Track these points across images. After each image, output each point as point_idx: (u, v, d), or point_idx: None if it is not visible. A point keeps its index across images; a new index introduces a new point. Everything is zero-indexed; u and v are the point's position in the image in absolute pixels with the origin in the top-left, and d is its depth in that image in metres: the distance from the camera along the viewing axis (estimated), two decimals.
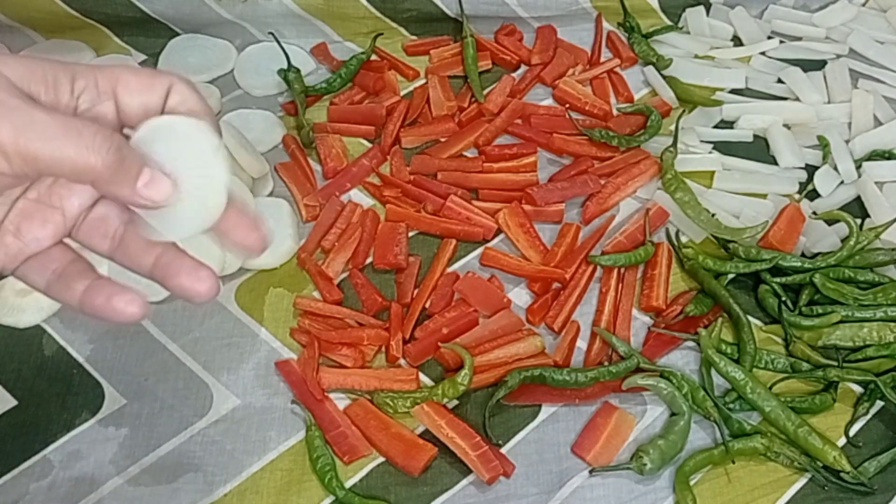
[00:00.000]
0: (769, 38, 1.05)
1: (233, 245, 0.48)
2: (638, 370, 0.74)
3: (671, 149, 0.89)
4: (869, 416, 0.74)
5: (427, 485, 0.69)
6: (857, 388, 0.75)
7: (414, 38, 1.04)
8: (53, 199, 0.46)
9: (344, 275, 0.82)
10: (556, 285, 0.81)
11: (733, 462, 0.70)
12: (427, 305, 0.79)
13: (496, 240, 0.85)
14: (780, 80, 1.00)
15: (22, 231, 0.46)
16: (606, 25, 1.05)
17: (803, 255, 0.83)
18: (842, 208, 0.87)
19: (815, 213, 0.87)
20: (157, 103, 0.45)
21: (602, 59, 1.02)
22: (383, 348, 0.77)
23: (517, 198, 0.87)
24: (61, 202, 0.46)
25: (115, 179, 0.42)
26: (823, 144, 0.92)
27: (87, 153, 0.41)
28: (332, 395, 0.74)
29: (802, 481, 0.70)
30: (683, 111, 0.96)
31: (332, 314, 0.78)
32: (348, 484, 0.69)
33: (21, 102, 0.40)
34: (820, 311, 0.78)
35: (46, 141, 0.40)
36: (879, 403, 0.74)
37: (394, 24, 1.03)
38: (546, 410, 0.74)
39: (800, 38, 1.05)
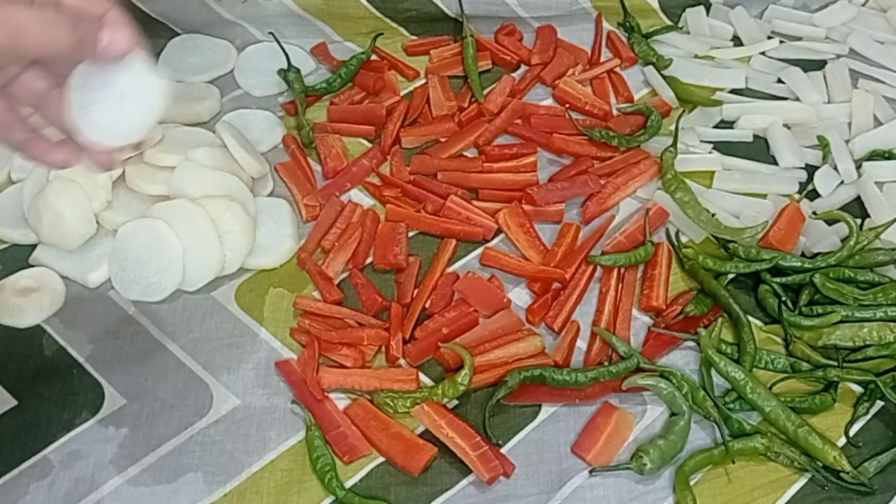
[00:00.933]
0: (769, 38, 1.05)
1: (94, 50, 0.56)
2: (638, 370, 0.74)
3: (671, 149, 0.89)
4: (869, 416, 0.74)
5: (427, 485, 0.69)
6: (857, 388, 0.75)
7: (414, 38, 1.04)
8: None
9: (344, 275, 0.82)
10: (556, 285, 0.81)
11: (733, 462, 0.70)
12: (427, 305, 0.79)
13: (496, 240, 0.85)
14: (780, 80, 1.00)
15: None
16: (606, 25, 1.05)
17: (803, 255, 0.83)
18: (842, 208, 0.87)
19: (815, 213, 0.87)
20: (91, 16, 0.55)
21: (602, 59, 1.03)
22: (383, 348, 0.77)
23: (517, 198, 0.87)
24: None
25: (82, 51, 0.54)
26: (823, 144, 0.92)
27: (60, 37, 0.52)
28: (332, 395, 0.74)
29: (802, 481, 0.70)
30: (683, 111, 0.96)
31: (332, 314, 0.78)
32: (348, 484, 0.69)
33: (3, 6, 0.50)
34: (820, 311, 0.78)
35: (32, 37, 0.51)
36: (879, 403, 0.74)
37: (394, 24, 1.03)
38: (546, 410, 0.74)
39: (800, 38, 1.05)
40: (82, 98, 0.57)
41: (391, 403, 0.72)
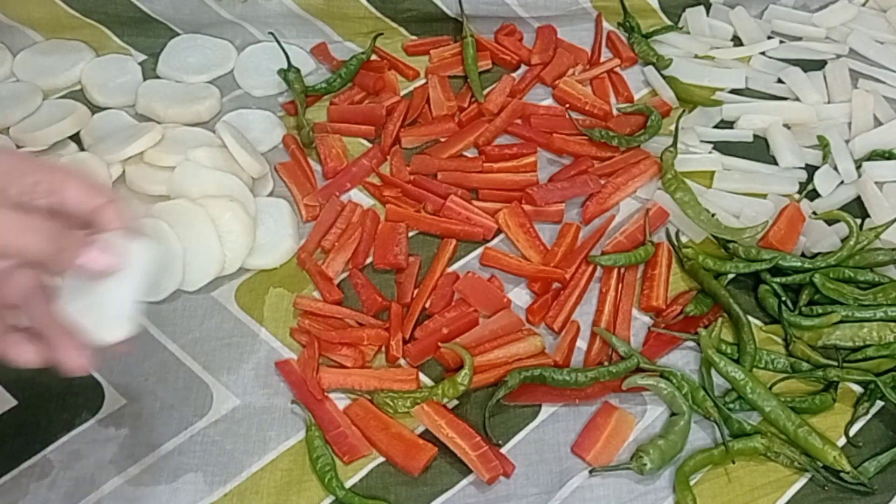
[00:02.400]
0: (769, 38, 1.05)
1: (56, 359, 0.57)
2: (638, 370, 0.74)
3: (671, 149, 0.89)
4: (869, 416, 0.74)
5: (427, 485, 0.69)
6: (857, 388, 0.75)
7: (414, 38, 1.04)
8: None
9: (344, 275, 0.82)
10: (556, 285, 0.81)
11: (733, 462, 0.70)
12: (427, 305, 0.79)
13: (496, 240, 0.85)
14: (780, 80, 1.00)
15: None
16: (606, 25, 1.05)
17: (803, 255, 0.83)
18: (842, 208, 0.87)
19: (815, 213, 0.87)
20: (89, 211, 0.55)
21: (602, 59, 1.02)
22: (383, 348, 0.77)
23: (517, 198, 0.87)
24: None
25: (61, 260, 0.53)
26: (823, 144, 0.92)
27: (39, 243, 0.52)
28: (332, 395, 0.74)
29: (802, 481, 0.70)
30: (683, 111, 0.96)
31: (332, 314, 0.78)
32: (348, 484, 0.69)
33: None
34: (820, 311, 0.78)
35: (10, 239, 0.51)
36: (879, 403, 0.74)
37: (394, 24, 1.03)
38: (546, 410, 0.74)
39: (800, 38, 1.05)
40: (73, 294, 0.57)
41: (391, 403, 0.72)
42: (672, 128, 0.92)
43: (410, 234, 0.85)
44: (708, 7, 1.08)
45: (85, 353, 0.57)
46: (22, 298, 0.57)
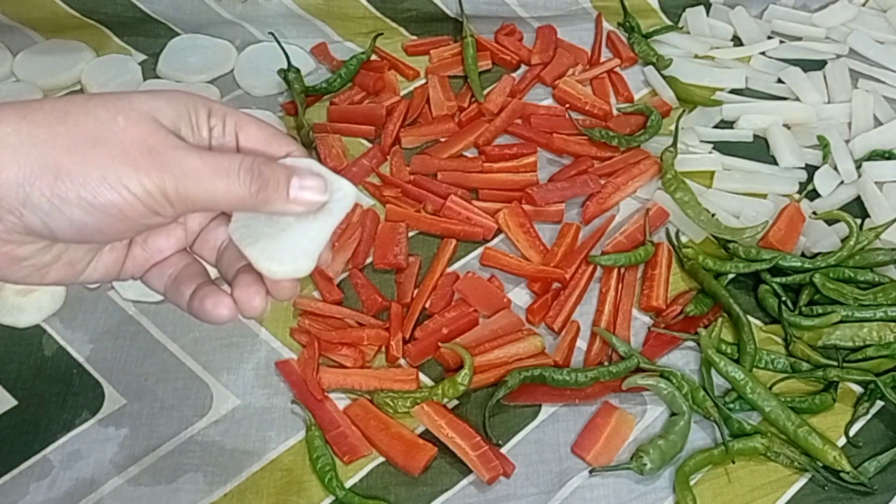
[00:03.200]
0: (769, 38, 1.05)
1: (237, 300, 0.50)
2: (638, 370, 0.74)
3: (671, 149, 0.89)
4: (869, 416, 0.74)
5: (427, 485, 0.69)
6: (857, 388, 0.75)
7: (414, 38, 1.04)
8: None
9: (344, 275, 0.82)
10: (556, 285, 0.81)
11: (733, 462, 0.70)
12: (427, 305, 0.79)
13: (496, 240, 0.85)
14: (780, 80, 1.00)
15: (149, 243, 0.51)
16: (606, 25, 1.05)
17: (803, 255, 0.83)
18: (842, 208, 0.87)
19: (815, 213, 0.87)
20: (270, 155, 0.49)
21: (602, 59, 1.03)
22: (383, 348, 0.77)
23: (517, 198, 0.87)
24: (185, 219, 0.51)
25: (267, 200, 0.46)
26: (823, 144, 0.92)
27: (236, 188, 0.45)
28: (332, 395, 0.74)
29: (802, 481, 0.70)
30: (683, 111, 0.96)
31: (332, 314, 0.78)
32: (348, 484, 0.69)
33: (176, 149, 0.44)
34: (820, 311, 0.78)
35: (201, 185, 0.44)
36: (879, 403, 0.74)
37: (394, 24, 1.03)
38: (546, 410, 0.74)
39: (800, 38, 1.05)
40: (252, 230, 0.49)
41: (391, 403, 0.72)
42: (672, 128, 0.92)
43: (410, 234, 0.85)
44: (708, 7, 1.08)
45: (263, 296, 0.49)
46: (217, 250, 0.52)
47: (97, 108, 0.44)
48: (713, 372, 0.75)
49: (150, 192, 0.43)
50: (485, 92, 0.97)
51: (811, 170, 0.91)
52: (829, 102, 0.98)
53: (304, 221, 0.49)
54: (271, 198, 0.46)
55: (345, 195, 0.49)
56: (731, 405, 0.73)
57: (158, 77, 0.98)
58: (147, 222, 0.45)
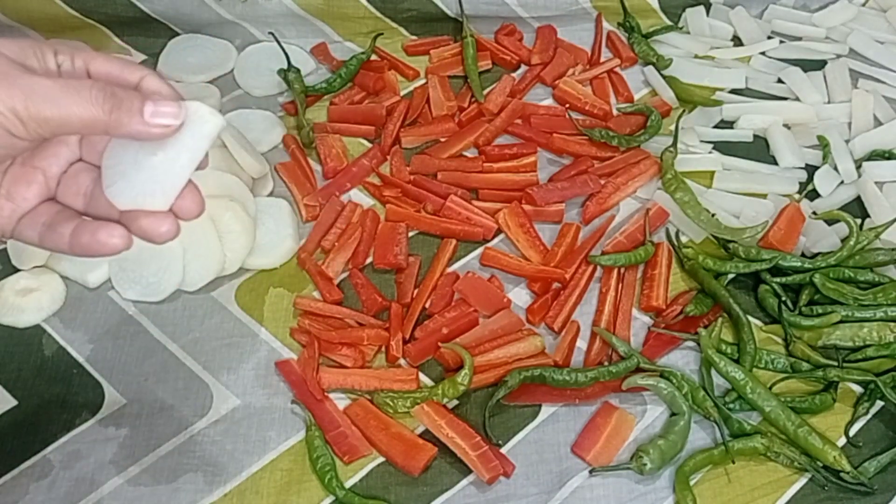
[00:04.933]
0: (769, 38, 1.05)
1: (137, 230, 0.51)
2: (638, 370, 0.74)
3: (671, 149, 0.89)
4: (869, 416, 0.74)
5: (427, 485, 0.69)
6: (857, 388, 0.75)
7: (414, 38, 1.04)
8: (36, 162, 0.51)
9: (344, 275, 0.82)
10: (556, 285, 0.81)
11: (733, 462, 0.70)
12: (427, 305, 0.79)
13: (496, 240, 0.85)
14: (780, 80, 1.00)
15: (12, 193, 0.51)
16: (606, 25, 1.05)
17: (803, 255, 0.83)
18: (842, 208, 0.87)
19: (815, 213, 0.87)
20: (126, 81, 0.50)
21: (602, 59, 1.03)
22: (383, 348, 0.77)
23: (517, 198, 0.87)
24: (42, 165, 0.52)
25: (120, 122, 0.47)
26: (823, 144, 0.92)
27: (90, 106, 0.46)
28: (332, 395, 0.74)
29: (802, 481, 0.70)
30: (683, 111, 0.96)
31: (332, 314, 0.78)
32: (348, 484, 0.69)
33: (23, 73, 0.45)
34: (820, 311, 0.78)
35: (53, 103, 0.45)
36: (879, 403, 0.74)
37: (394, 24, 1.03)
38: (546, 410, 0.74)
39: (800, 38, 1.05)
40: (116, 161, 0.51)
41: (391, 403, 0.72)
42: (672, 128, 0.92)
43: (410, 234, 0.85)
44: (708, 7, 1.08)
45: (165, 217, 0.50)
46: (86, 195, 0.52)
47: None
48: (713, 372, 0.75)
49: (1, 110, 0.44)
50: (485, 92, 0.97)
51: (811, 170, 0.91)
52: (829, 102, 0.98)
53: (166, 155, 0.50)
54: (124, 119, 0.47)
55: (205, 122, 0.50)
56: (731, 405, 0.73)
57: None
58: (2, 145, 0.45)
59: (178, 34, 1.01)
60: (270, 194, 0.88)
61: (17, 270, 0.80)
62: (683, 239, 0.84)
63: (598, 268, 0.83)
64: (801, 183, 0.90)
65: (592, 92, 0.99)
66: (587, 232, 0.86)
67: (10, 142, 0.45)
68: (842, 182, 0.90)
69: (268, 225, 0.84)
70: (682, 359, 0.77)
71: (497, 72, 1.01)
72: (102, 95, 0.46)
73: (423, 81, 1.00)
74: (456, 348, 0.74)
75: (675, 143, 0.89)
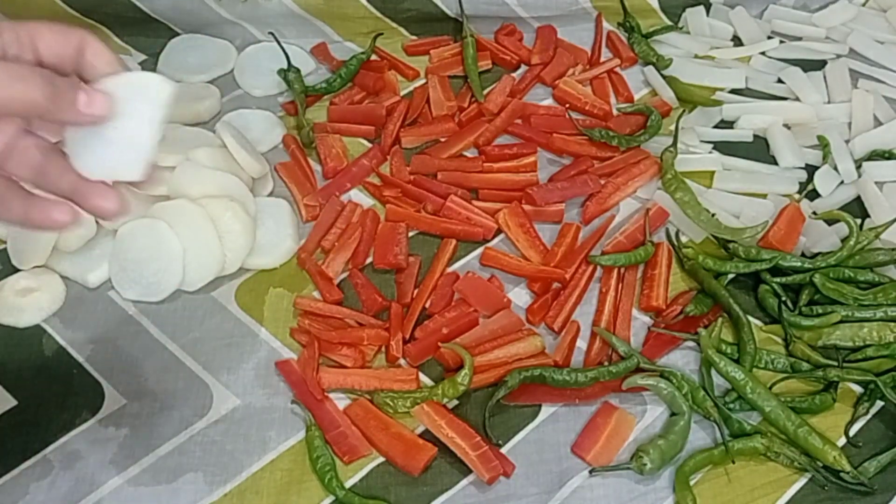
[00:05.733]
0: (769, 38, 1.05)
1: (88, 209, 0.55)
2: (638, 370, 0.74)
3: (671, 149, 0.89)
4: (869, 416, 0.74)
5: (427, 485, 0.69)
6: (857, 388, 0.75)
7: (414, 38, 1.04)
8: None
9: (344, 275, 0.82)
10: (556, 285, 0.81)
11: (733, 462, 0.70)
12: (427, 305, 0.79)
13: (496, 240, 0.85)
14: (780, 80, 1.00)
15: None
16: (606, 25, 1.05)
17: (803, 255, 0.83)
18: (842, 208, 0.87)
19: (815, 213, 0.87)
20: (71, 55, 0.54)
21: (602, 59, 1.03)
22: (383, 348, 0.77)
23: (517, 198, 0.87)
24: None
25: (56, 107, 0.50)
26: (823, 144, 0.92)
27: (30, 92, 0.49)
28: (332, 395, 0.74)
29: (802, 481, 0.70)
30: (683, 111, 0.96)
31: (332, 314, 0.78)
32: (348, 484, 0.69)
33: None
34: (820, 311, 0.78)
35: (1, 86, 0.47)
36: (879, 403, 0.74)
37: (394, 24, 1.03)
38: (546, 410, 0.74)
39: (800, 38, 1.05)
40: (79, 136, 0.55)
41: (391, 403, 0.72)
42: (672, 128, 0.92)
43: (410, 234, 0.85)
44: (708, 7, 1.08)
45: (114, 196, 0.54)
46: (34, 168, 0.53)
47: None
48: (713, 372, 0.75)
49: None
50: (485, 92, 0.97)
51: (811, 170, 0.91)
52: (829, 102, 0.98)
53: (126, 126, 0.54)
54: (62, 107, 0.51)
55: (158, 90, 0.55)
56: (731, 405, 0.73)
57: None
58: None
59: (178, 34, 1.01)
60: (270, 194, 0.88)
61: (17, 270, 0.80)
62: (683, 239, 0.84)
63: (598, 268, 0.83)
64: (801, 183, 0.90)
65: (592, 92, 0.99)
66: (587, 232, 0.86)
67: None
68: (842, 182, 0.90)
69: (268, 225, 0.84)
70: (682, 359, 0.77)
71: (497, 72, 1.01)
72: (42, 82, 0.49)
73: (423, 81, 1.00)
74: (456, 348, 0.74)
75: (675, 143, 0.89)
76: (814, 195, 0.89)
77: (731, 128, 0.96)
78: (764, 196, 0.89)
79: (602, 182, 0.88)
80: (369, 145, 0.93)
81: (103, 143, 0.54)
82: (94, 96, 0.52)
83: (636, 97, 0.99)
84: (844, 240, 0.81)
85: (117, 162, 0.55)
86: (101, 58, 0.55)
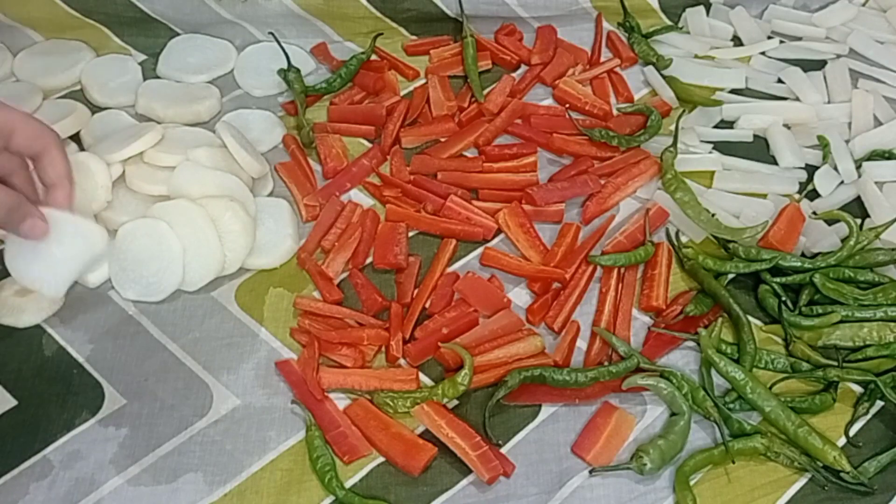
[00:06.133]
0: (769, 38, 1.05)
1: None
2: (638, 370, 0.74)
3: (671, 149, 0.89)
4: (869, 416, 0.74)
5: (427, 485, 0.69)
6: (857, 388, 0.75)
7: (414, 38, 1.04)
8: None
9: (344, 275, 0.82)
10: (556, 285, 0.81)
11: (733, 462, 0.70)
12: (427, 305, 0.79)
13: (496, 240, 0.85)
14: (780, 80, 1.00)
15: None
16: (606, 25, 1.05)
17: (803, 255, 0.83)
18: (842, 208, 0.87)
19: (815, 213, 0.87)
20: (35, 153, 0.68)
21: (602, 59, 1.03)
22: (383, 348, 0.77)
23: (517, 198, 0.87)
24: None
25: (10, 222, 0.66)
26: (823, 144, 0.92)
27: None
28: (332, 395, 0.74)
29: (802, 481, 0.70)
30: (683, 111, 0.96)
31: (332, 314, 0.78)
32: (348, 484, 0.69)
33: None
34: (820, 311, 0.78)
35: None
36: (879, 403, 0.74)
37: (394, 24, 1.03)
38: (546, 410, 0.74)
39: (800, 38, 1.05)
40: (18, 243, 0.69)
41: (391, 403, 0.72)
42: (672, 128, 0.92)
43: (410, 234, 0.85)
44: (708, 7, 1.08)
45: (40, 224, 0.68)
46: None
47: None
48: (713, 372, 0.75)
49: None
50: (485, 92, 0.97)
51: (811, 170, 0.91)
52: (829, 102, 0.98)
53: (59, 253, 0.69)
54: (14, 222, 0.65)
55: (91, 243, 0.70)
56: (731, 405, 0.73)
57: (158, 77, 0.98)
58: None
59: (178, 34, 1.01)
60: (270, 194, 0.88)
61: None
62: (683, 239, 0.84)
63: (598, 268, 0.83)
64: (801, 183, 0.90)
65: (592, 92, 0.99)
66: (587, 232, 0.86)
67: None
68: (842, 182, 0.90)
69: (268, 225, 0.84)
70: (682, 359, 0.77)
71: (497, 72, 1.01)
72: (7, 200, 0.64)
73: (423, 81, 1.00)
74: (456, 348, 0.74)
75: (675, 143, 0.89)
76: (814, 195, 0.89)
77: (731, 128, 0.96)
78: (764, 196, 0.89)
79: (602, 182, 0.88)
80: (369, 145, 0.92)
81: (34, 257, 0.69)
82: (37, 224, 0.66)
83: (636, 97, 0.99)
84: (844, 240, 0.81)
85: (39, 276, 0.70)
86: (54, 168, 0.68)
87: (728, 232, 0.82)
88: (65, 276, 0.71)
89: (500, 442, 0.71)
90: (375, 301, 0.79)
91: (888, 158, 0.91)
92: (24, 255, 0.69)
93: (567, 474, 0.70)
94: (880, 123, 0.95)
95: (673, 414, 0.73)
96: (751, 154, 0.93)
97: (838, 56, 1.03)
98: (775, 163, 0.92)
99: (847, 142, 0.93)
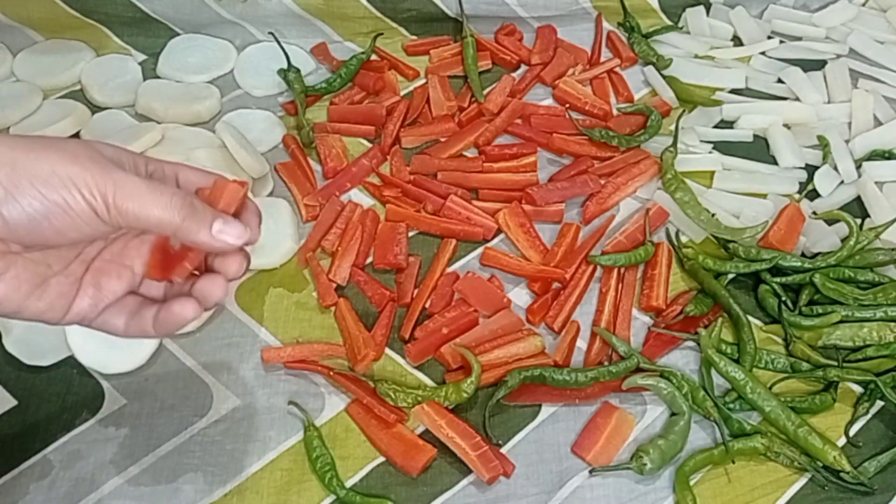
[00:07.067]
0: (769, 38, 1.05)
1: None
2: (638, 370, 0.74)
3: (671, 149, 0.89)
4: (869, 416, 0.74)
5: (427, 485, 0.69)
6: (857, 388, 0.75)
7: (414, 38, 1.04)
8: (125, 259, 0.56)
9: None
10: (556, 285, 0.81)
11: (733, 462, 0.70)
12: (427, 305, 0.79)
13: (496, 240, 0.85)
14: (780, 80, 1.00)
15: (101, 284, 0.55)
16: (606, 25, 1.05)
17: (803, 255, 0.83)
18: (842, 208, 0.87)
19: (815, 213, 0.87)
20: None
21: (602, 59, 1.03)
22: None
23: (517, 198, 0.87)
24: (132, 262, 0.56)
25: (190, 229, 0.52)
26: (823, 144, 0.92)
27: (167, 209, 0.51)
28: (332, 395, 0.74)
29: (802, 481, 0.70)
30: (683, 111, 0.96)
31: (300, 357, 0.76)
32: (348, 484, 0.69)
33: (116, 168, 0.51)
34: (820, 311, 0.78)
35: (137, 199, 0.50)
36: (879, 403, 0.74)
37: (394, 24, 1.03)
38: (546, 410, 0.74)
39: (800, 38, 1.05)
40: None
41: (392, 395, 0.72)
42: (672, 128, 0.92)
43: (410, 234, 0.85)
44: (708, 7, 1.08)
45: (223, 283, 0.56)
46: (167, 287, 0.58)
47: (54, 138, 0.52)
48: (713, 372, 0.75)
49: (93, 192, 0.49)
50: (485, 92, 0.97)
51: (811, 170, 0.91)
52: (829, 102, 0.98)
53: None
54: (194, 228, 0.52)
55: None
56: (731, 405, 0.73)
57: (158, 77, 0.98)
58: (88, 223, 0.50)
59: (178, 34, 1.01)
60: (270, 194, 0.88)
61: None
62: (683, 239, 0.84)
63: (598, 268, 0.83)
64: (801, 183, 0.90)
65: (592, 92, 0.99)
66: (587, 232, 0.86)
67: (96, 223, 0.50)
68: (842, 182, 0.90)
69: (268, 225, 0.83)
70: (682, 359, 0.77)
71: (497, 72, 1.01)
72: (181, 203, 0.51)
73: (423, 81, 1.00)
74: (467, 354, 0.73)
75: (675, 143, 0.89)
76: (814, 195, 0.89)
77: (731, 128, 0.96)
78: (764, 196, 0.89)
79: (602, 182, 0.88)
80: (369, 145, 0.93)
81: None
82: (229, 224, 0.53)
83: (636, 97, 0.99)
84: (844, 240, 0.81)
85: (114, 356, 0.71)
86: (228, 228, 0.54)
87: (728, 232, 0.82)
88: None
89: (500, 442, 0.71)
90: (383, 295, 0.79)
91: (888, 158, 0.91)
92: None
93: (567, 474, 0.70)
94: (880, 123, 0.95)
95: (673, 414, 0.73)
96: (751, 154, 0.93)
97: (838, 56, 1.03)
98: (775, 163, 0.92)
99: (847, 142, 0.93)
